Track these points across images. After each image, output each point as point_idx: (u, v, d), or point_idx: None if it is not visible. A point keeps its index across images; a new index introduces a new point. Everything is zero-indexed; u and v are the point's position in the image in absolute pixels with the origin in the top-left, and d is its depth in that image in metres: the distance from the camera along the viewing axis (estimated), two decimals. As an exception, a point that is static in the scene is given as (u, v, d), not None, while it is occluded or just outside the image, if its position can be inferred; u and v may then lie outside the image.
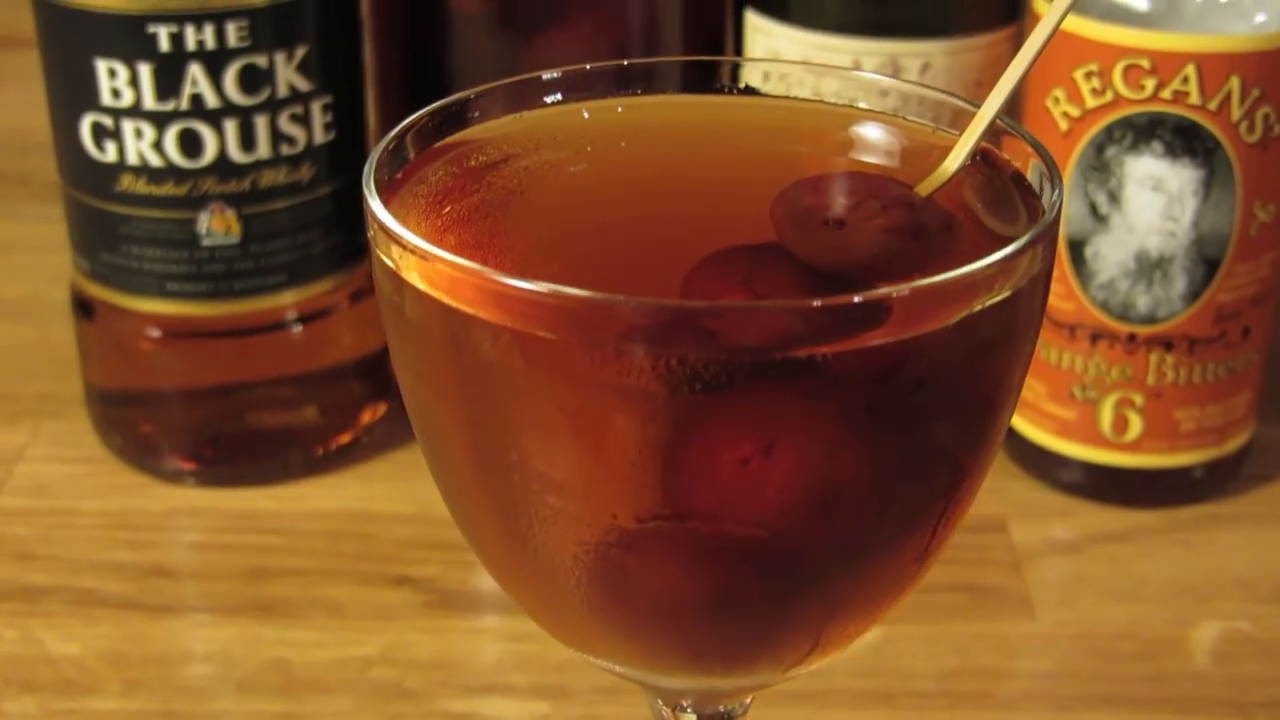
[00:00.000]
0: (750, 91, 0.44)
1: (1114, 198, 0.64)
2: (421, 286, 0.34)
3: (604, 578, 0.36)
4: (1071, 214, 0.65)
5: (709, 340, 0.32)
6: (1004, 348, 0.36)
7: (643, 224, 0.41)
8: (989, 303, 0.34)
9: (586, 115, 0.43)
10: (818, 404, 0.33)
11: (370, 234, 0.36)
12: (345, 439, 0.72)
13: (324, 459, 0.72)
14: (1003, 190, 0.40)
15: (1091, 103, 0.63)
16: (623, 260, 0.40)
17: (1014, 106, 0.66)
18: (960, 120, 0.40)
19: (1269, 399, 0.73)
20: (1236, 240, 0.64)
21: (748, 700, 0.43)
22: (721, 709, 0.42)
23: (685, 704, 0.42)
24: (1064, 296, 0.67)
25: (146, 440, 0.71)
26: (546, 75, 0.43)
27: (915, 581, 0.39)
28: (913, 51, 0.66)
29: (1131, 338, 0.66)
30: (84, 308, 0.70)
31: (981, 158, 0.40)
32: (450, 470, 0.38)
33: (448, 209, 0.39)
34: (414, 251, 0.34)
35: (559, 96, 0.43)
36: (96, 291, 0.69)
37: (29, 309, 0.84)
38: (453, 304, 0.34)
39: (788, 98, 0.44)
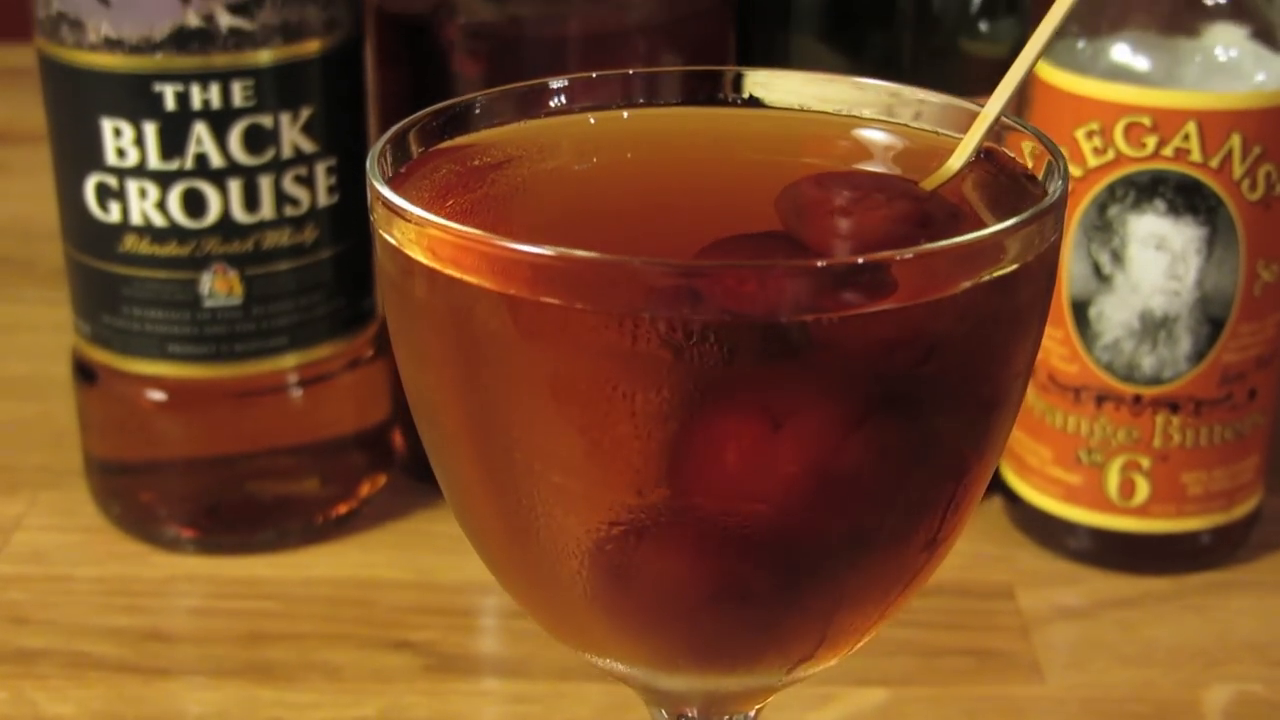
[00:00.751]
0: (755, 102, 0.44)
1: (1117, 257, 0.64)
2: (425, 260, 0.34)
3: (607, 563, 0.35)
4: (1075, 274, 0.65)
5: (713, 303, 0.32)
6: (1011, 324, 0.35)
7: (647, 221, 0.41)
8: (995, 274, 0.34)
9: (593, 122, 0.43)
10: (825, 373, 0.33)
11: (374, 217, 0.36)
12: (344, 509, 0.72)
13: (323, 527, 0.71)
14: (1009, 186, 0.40)
15: (1093, 162, 0.63)
16: (627, 250, 0.39)
17: (1019, 105, 0.66)
18: (966, 124, 0.40)
19: (1276, 470, 0.72)
20: (1241, 300, 0.64)
21: (752, 713, 0.42)
22: (726, 718, 0.41)
23: (690, 713, 0.41)
24: (1068, 359, 0.66)
25: (146, 509, 0.70)
26: (553, 83, 0.43)
27: (925, 574, 0.38)
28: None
29: (1137, 399, 0.66)
30: (85, 373, 0.70)
31: (987, 156, 0.40)
32: (453, 459, 0.38)
33: (450, 202, 0.39)
34: (416, 223, 0.34)
35: (564, 104, 0.43)
36: (98, 355, 0.68)
37: (31, 386, 0.84)
38: (458, 275, 0.34)
39: (792, 108, 0.44)
